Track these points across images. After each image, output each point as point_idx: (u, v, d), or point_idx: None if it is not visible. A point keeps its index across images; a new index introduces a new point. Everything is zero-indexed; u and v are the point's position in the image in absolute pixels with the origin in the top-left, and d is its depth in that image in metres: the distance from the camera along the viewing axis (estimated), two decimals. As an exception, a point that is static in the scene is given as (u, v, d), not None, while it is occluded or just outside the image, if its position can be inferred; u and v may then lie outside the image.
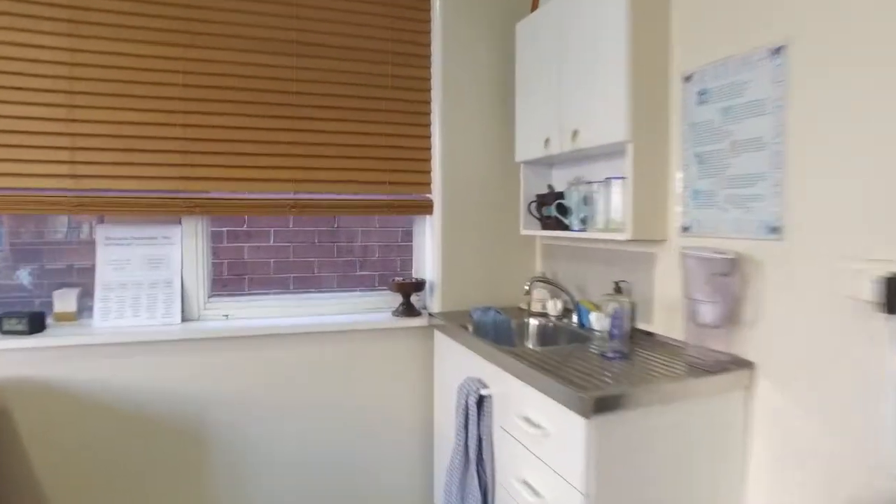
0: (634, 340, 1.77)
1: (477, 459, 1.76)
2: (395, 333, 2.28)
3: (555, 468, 1.39)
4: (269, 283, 3.04)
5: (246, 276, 3.00)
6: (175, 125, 2.02)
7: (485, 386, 1.78)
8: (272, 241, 3.01)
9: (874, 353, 1.21)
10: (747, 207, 1.47)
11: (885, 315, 1.16)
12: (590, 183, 1.94)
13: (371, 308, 2.38)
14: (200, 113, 2.05)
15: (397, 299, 2.37)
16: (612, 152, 1.90)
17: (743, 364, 1.47)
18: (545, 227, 2.21)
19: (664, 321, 1.78)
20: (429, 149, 2.35)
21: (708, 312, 1.48)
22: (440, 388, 2.27)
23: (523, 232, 2.27)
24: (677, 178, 1.70)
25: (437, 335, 2.28)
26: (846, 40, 1.25)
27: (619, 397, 1.30)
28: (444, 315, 2.25)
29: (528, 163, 2.27)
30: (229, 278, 2.98)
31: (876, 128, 1.19)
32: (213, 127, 2.06)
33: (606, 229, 1.86)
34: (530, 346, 2.19)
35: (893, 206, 1.17)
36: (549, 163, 2.30)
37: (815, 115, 1.31)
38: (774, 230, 1.41)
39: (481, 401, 1.77)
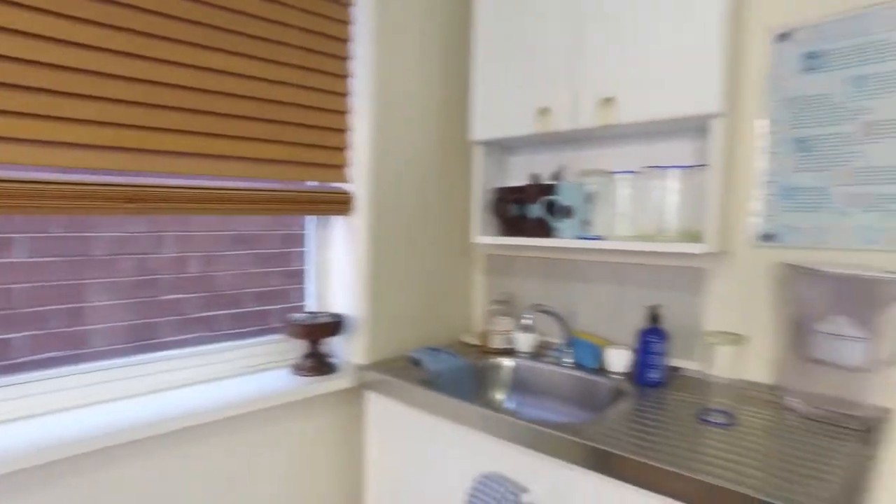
0: (685, 385, 1.31)
1: None
2: (303, 407, 1.41)
3: None
4: (11, 322, 1.76)
5: (-36, 318, 1.67)
6: None
7: (522, 488, 1.11)
8: (20, 253, 1.74)
9: None
10: (890, 210, 1.12)
11: None
12: (611, 173, 1.41)
13: (250, 366, 1.45)
14: None
15: (296, 348, 1.49)
16: (653, 133, 1.41)
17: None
18: (515, 232, 1.60)
19: (709, 357, 1.35)
20: (345, 112, 1.52)
21: (858, 351, 1.08)
22: (385, 490, 1.49)
23: (479, 240, 1.63)
24: (758, 171, 1.28)
25: (374, 400, 1.48)
26: None
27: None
28: (380, 367, 1.48)
29: (487, 144, 1.63)
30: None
31: None
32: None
33: (641, 236, 1.35)
34: (502, 397, 1.57)
35: None
36: (507, 145, 1.70)
37: None
38: (937, 241, 1.08)
39: (525, 515, 1.10)
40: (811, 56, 1.19)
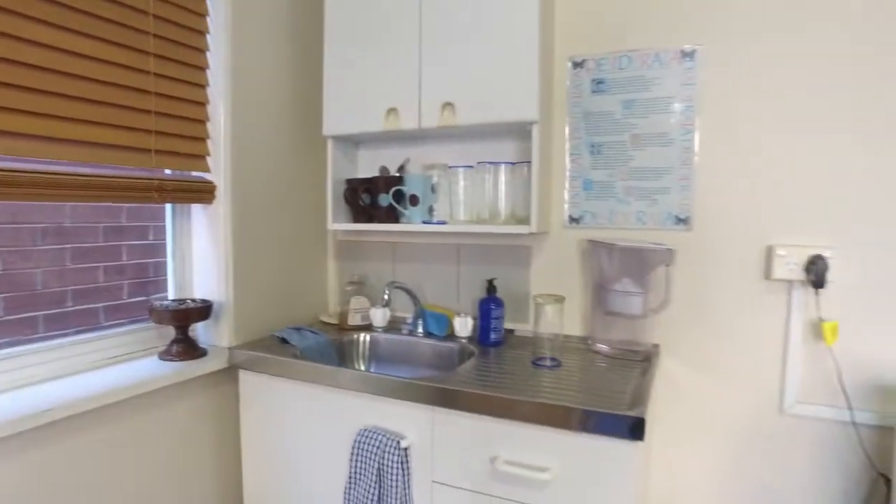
0: (519, 343, 1.61)
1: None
2: (174, 392, 1.42)
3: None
4: None
5: None
6: None
7: (399, 435, 1.30)
8: None
9: (774, 322, 1.45)
10: (653, 199, 1.53)
11: (812, 290, 1.39)
12: (452, 167, 1.66)
13: (115, 357, 1.40)
14: None
15: (162, 336, 1.47)
16: (486, 134, 1.67)
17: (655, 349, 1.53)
18: (367, 219, 1.76)
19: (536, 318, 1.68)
20: (204, 104, 1.54)
21: (638, 303, 1.47)
22: (263, 461, 1.55)
23: (333, 226, 1.76)
24: (566, 168, 1.63)
25: (247, 378, 1.53)
26: (748, 51, 1.43)
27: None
28: (249, 346, 1.54)
29: (338, 138, 1.77)
30: None
31: (773, 131, 1.42)
32: None
33: (476, 221, 1.62)
34: (363, 367, 1.73)
35: (791, 199, 1.41)
36: (357, 140, 1.86)
37: (721, 116, 1.46)
38: (682, 221, 1.51)
39: (404, 456, 1.28)
40: (598, 82, 1.57)
